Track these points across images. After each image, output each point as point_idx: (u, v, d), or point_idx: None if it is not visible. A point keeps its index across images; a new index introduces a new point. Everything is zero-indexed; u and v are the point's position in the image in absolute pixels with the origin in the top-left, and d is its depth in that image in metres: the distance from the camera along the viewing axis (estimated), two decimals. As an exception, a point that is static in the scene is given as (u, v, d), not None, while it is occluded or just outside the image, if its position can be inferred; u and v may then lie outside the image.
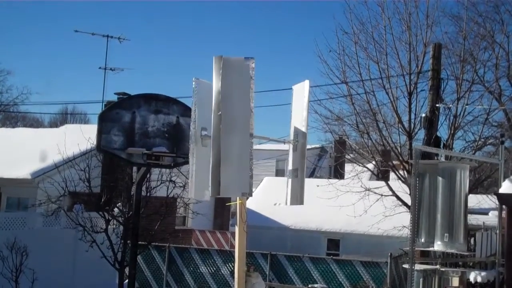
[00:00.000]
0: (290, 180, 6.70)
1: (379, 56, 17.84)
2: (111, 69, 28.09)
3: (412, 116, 17.45)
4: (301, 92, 6.74)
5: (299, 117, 6.74)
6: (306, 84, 6.68)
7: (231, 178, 5.91)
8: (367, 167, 19.54)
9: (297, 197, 6.66)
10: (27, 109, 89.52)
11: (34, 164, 19.66)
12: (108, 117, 11.66)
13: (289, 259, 16.64)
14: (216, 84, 6.06)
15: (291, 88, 7.00)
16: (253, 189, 29.52)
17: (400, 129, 17.85)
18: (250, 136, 5.99)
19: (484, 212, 16.37)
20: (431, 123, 15.52)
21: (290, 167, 6.76)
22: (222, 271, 17.22)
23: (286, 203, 6.72)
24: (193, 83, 6.54)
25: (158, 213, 15.38)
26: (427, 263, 10.83)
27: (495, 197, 13.14)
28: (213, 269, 17.38)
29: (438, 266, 10.23)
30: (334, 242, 25.36)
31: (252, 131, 6.02)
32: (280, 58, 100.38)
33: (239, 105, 6.02)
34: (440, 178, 10.13)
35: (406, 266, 10.09)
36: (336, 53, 18.23)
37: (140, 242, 13.41)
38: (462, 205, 10.15)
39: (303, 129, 6.68)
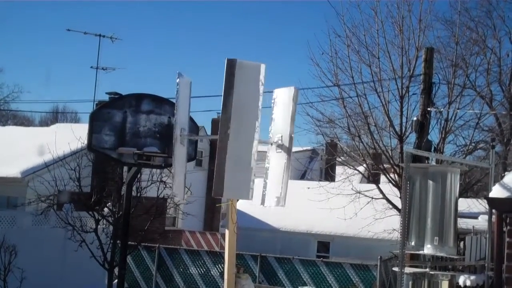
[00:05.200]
0: (267, 180, 6.66)
1: (371, 59, 17.88)
2: (103, 68, 28.04)
3: (404, 120, 17.49)
4: (287, 98, 6.63)
5: (285, 122, 6.64)
6: (291, 90, 6.58)
7: (235, 181, 6.00)
8: (358, 170, 19.56)
9: (279, 198, 6.64)
10: (18, 107, 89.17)
11: (24, 162, 19.57)
12: (99, 117, 11.61)
13: (279, 261, 16.64)
14: (226, 86, 6.01)
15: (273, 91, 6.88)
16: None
17: (391, 133, 17.87)
18: (253, 139, 6.02)
19: (474, 216, 16.43)
20: (422, 127, 15.53)
21: (268, 167, 6.71)
22: (211, 273, 17.20)
23: (262, 203, 6.68)
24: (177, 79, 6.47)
25: (148, 213, 15.34)
26: (416, 266, 10.83)
27: (485, 201, 13.18)
28: (203, 270, 17.35)
29: (427, 270, 10.23)
30: (324, 244, 25.39)
31: (258, 134, 6.03)
32: (274, 59, 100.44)
33: (248, 108, 6.03)
34: (430, 182, 10.14)
35: (395, 269, 10.09)
36: (328, 56, 18.25)
37: (130, 242, 13.37)
38: (452, 209, 10.16)
39: (288, 134, 6.61)
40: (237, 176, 5.99)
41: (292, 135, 6.62)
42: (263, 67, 6.05)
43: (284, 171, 6.59)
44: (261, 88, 6.03)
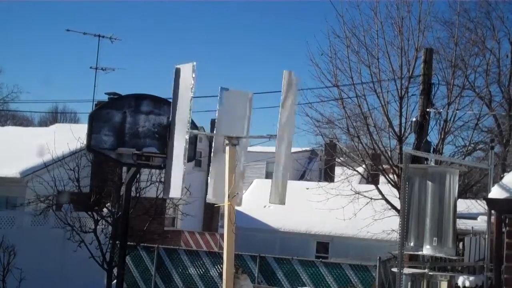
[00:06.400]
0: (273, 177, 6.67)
1: (370, 60, 17.87)
2: (102, 68, 28.01)
3: (403, 121, 17.48)
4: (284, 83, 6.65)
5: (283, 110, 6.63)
6: (285, 75, 6.54)
7: (171, 180, 6.32)
8: (357, 171, 19.57)
9: (279, 196, 6.63)
10: (17, 107, 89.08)
11: (24, 163, 19.56)
12: (98, 117, 11.62)
13: (278, 262, 16.63)
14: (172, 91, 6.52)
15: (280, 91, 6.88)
16: (243, 191, 29.61)
17: (390, 133, 17.87)
18: (184, 137, 6.22)
19: (473, 217, 16.43)
20: (421, 127, 15.54)
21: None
22: (211, 273, 17.20)
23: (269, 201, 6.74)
24: (219, 92, 6.67)
25: (148, 213, 15.33)
26: (415, 267, 10.84)
27: (484, 202, 13.18)
28: (202, 270, 17.35)
29: (426, 270, 10.24)
30: (323, 245, 25.41)
31: (187, 132, 6.25)
32: (272, 59, 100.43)
33: (182, 108, 6.36)
34: (429, 183, 10.15)
35: (395, 269, 10.10)
36: (327, 57, 18.23)
37: (129, 243, 13.37)
38: (451, 210, 10.17)
39: (285, 122, 6.57)
40: (172, 175, 6.33)
41: (284, 125, 6.55)
42: (193, 65, 6.30)
43: (280, 166, 6.58)
44: (191, 86, 6.27)
